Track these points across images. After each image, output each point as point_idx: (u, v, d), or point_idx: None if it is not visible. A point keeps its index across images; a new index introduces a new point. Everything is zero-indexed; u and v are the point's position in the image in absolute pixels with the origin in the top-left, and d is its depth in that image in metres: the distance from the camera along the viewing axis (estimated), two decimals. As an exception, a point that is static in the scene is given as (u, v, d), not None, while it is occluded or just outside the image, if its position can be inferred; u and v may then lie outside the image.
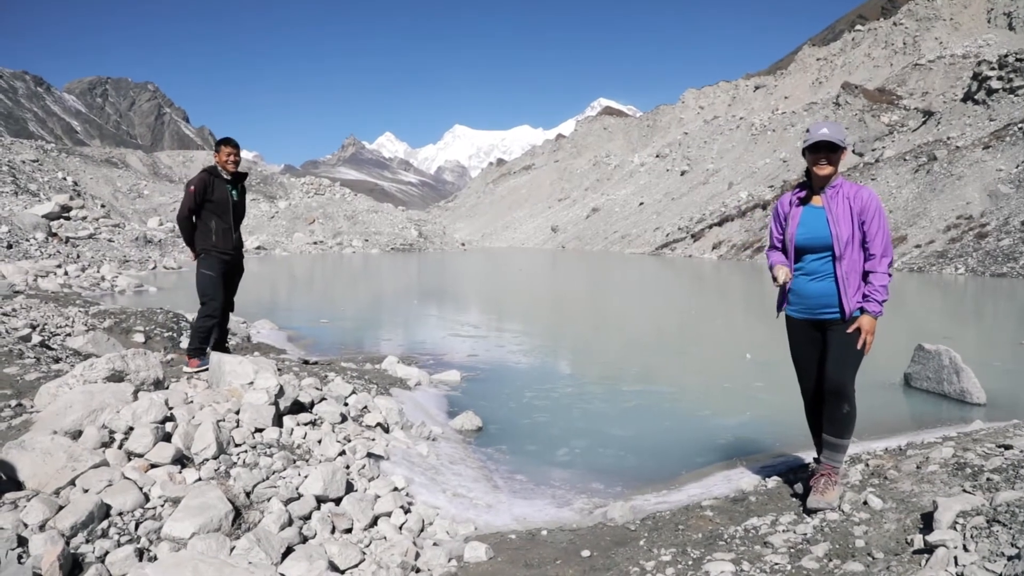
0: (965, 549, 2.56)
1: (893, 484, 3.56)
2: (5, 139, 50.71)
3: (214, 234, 5.83)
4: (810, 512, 3.48)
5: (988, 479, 3.22)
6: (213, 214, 5.81)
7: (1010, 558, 2.37)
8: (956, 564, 2.50)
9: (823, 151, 3.57)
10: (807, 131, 3.68)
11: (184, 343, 8.00)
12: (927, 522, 2.95)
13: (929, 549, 2.70)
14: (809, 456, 4.79)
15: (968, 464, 3.52)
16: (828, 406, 3.62)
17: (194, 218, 5.78)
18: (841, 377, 3.53)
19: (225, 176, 5.85)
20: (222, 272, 5.87)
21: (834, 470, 3.58)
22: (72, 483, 3.29)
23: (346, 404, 5.42)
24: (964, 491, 3.16)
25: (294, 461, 4.05)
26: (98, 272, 19.09)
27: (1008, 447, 3.67)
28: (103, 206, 40.48)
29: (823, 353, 3.62)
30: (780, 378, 6.65)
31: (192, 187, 5.65)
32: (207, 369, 5.61)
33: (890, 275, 3.52)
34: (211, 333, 5.92)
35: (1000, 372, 8.03)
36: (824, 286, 3.59)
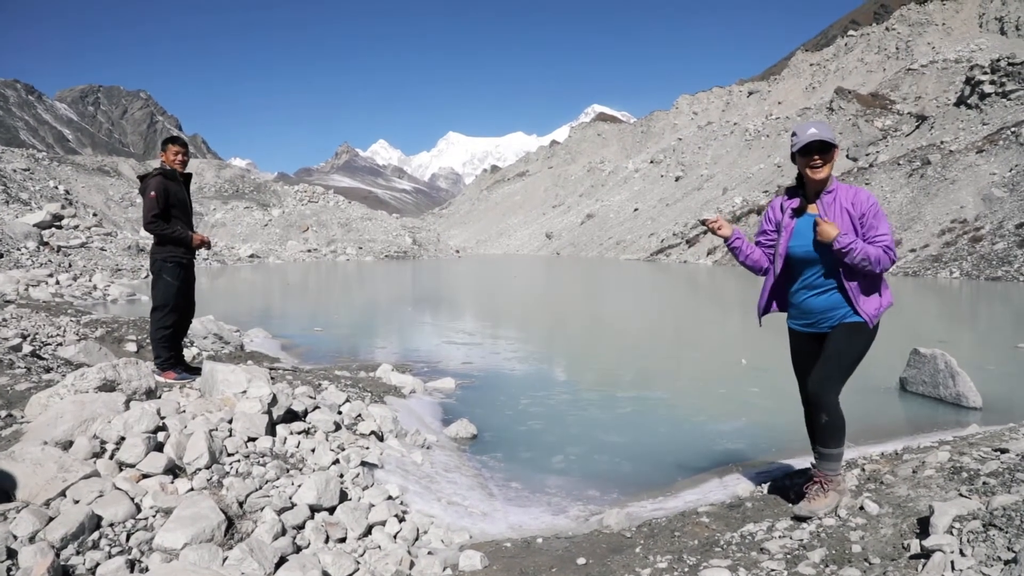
0: (962, 554, 2.55)
1: (889, 489, 3.55)
2: (-3, 148, 50.56)
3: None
4: (797, 519, 3.47)
5: (984, 483, 3.22)
6: (176, 219, 5.72)
7: (1007, 562, 2.36)
8: (953, 569, 2.49)
9: (815, 152, 3.37)
10: (793, 134, 3.48)
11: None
12: (923, 527, 2.94)
13: (926, 554, 2.69)
14: (805, 461, 4.78)
15: (964, 468, 3.51)
16: (810, 415, 3.61)
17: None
18: (819, 387, 3.46)
19: (179, 177, 5.77)
20: (184, 280, 5.83)
21: (826, 477, 3.53)
22: (63, 494, 3.25)
23: (340, 412, 5.39)
24: (960, 495, 3.15)
25: (287, 470, 4.02)
26: (90, 281, 18.99)
27: (1004, 451, 3.67)
28: (95, 215, 40.41)
29: None
30: (776, 384, 6.65)
31: (152, 192, 5.50)
32: (189, 379, 5.59)
33: (880, 262, 3.29)
34: (172, 340, 5.84)
35: (996, 376, 8.04)
36: (827, 299, 3.46)
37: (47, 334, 7.99)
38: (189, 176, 5.95)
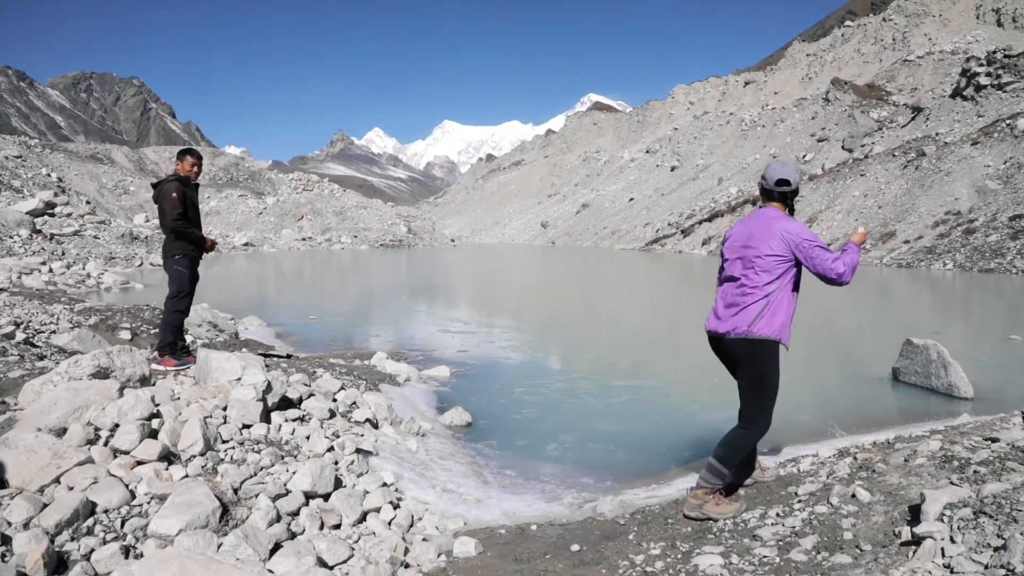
0: (952, 541, 2.57)
1: (881, 477, 3.57)
2: (-11, 135, 50.15)
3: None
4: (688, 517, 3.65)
5: (975, 472, 3.24)
6: (191, 220, 6.16)
7: (996, 549, 2.38)
8: (943, 555, 2.51)
9: None
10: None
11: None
12: (915, 514, 2.96)
13: (916, 541, 2.71)
14: (797, 450, 4.81)
15: (955, 457, 3.53)
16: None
17: None
18: None
19: (192, 184, 6.18)
20: (193, 271, 6.21)
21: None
22: (57, 481, 3.25)
23: (335, 400, 5.40)
24: (951, 483, 3.18)
25: (282, 457, 4.03)
26: (84, 269, 18.92)
27: (995, 440, 3.69)
28: (88, 203, 40.15)
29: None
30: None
31: (175, 194, 5.95)
32: (186, 368, 5.63)
33: None
34: (181, 325, 6.19)
35: (987, 366, 8.09)
36: None
37: (40, 322, 7.96)
38: (198, 185, 6.40)
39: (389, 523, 3.66)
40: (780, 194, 3.74)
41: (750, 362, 3.66)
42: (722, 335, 3.70)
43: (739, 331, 3.60)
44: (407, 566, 3.27)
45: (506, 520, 3.95)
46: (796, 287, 3.70)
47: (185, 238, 6.08)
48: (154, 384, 4.83)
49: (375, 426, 5.15)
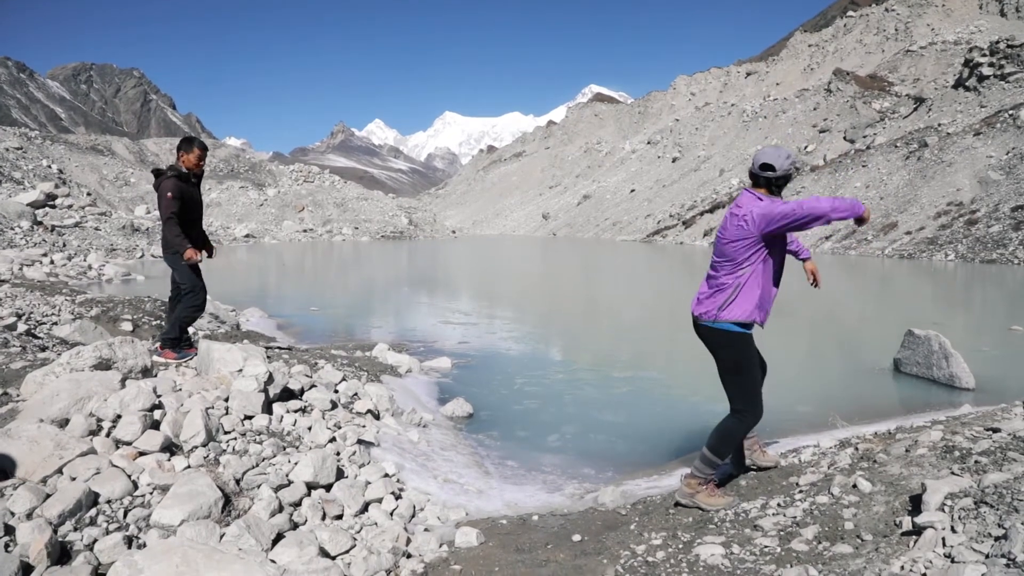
0: (953, 530, 2.57)
1: (882, 467, 3.57)
2: (-11, 126, 50.07)
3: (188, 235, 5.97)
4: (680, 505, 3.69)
5: (976, 462, 3.24)
6: (190, 220, 5.93)
7: (997, 538, 2.38)
8: (944, 545, 2.52)
9: None
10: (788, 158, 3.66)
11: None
12: (916, 504, 2.96)
13: (917, 531, 2.72)
14: (798, 441, 4.82)
15: (956, 447, 3.54)
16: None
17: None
18: None
19: (192, 179, 5.89)
20: (195, 264, 6.01)
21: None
22: (59, 471, 3.26)
23: (336, 391, 5.40)
24: (952, 474, 3.18)
25: (284, 448, 4.04)
26: (85, 261, 18.93)
27: (996, 430, 3.69)
28: (89, 194, 40.14)
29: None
30: (769, 364, 6.66)
31: (170, 193, 5.64)
32: (187, 359, 5.61)
33: None
34: (192, 321, 6.00)
35: (989, 357, 8.08)
36: None
37: (42, 313, 7.97)
38: (201, 175, 6.08)
39: (391, 513, 3.67)
40: (764, 179, 3.66)
41: (720, 347, 3.69)
42: (696, 318, 3.75)
43: (709, 315, 3.65)
44: (409, 556, 3.28)
45: (508, 510, 3.96)
46: (774, 268, 3.63)
47: (170, 241, 5.82)
48: (156, 375, 4.84)
49: (377, 417, 5.16)
